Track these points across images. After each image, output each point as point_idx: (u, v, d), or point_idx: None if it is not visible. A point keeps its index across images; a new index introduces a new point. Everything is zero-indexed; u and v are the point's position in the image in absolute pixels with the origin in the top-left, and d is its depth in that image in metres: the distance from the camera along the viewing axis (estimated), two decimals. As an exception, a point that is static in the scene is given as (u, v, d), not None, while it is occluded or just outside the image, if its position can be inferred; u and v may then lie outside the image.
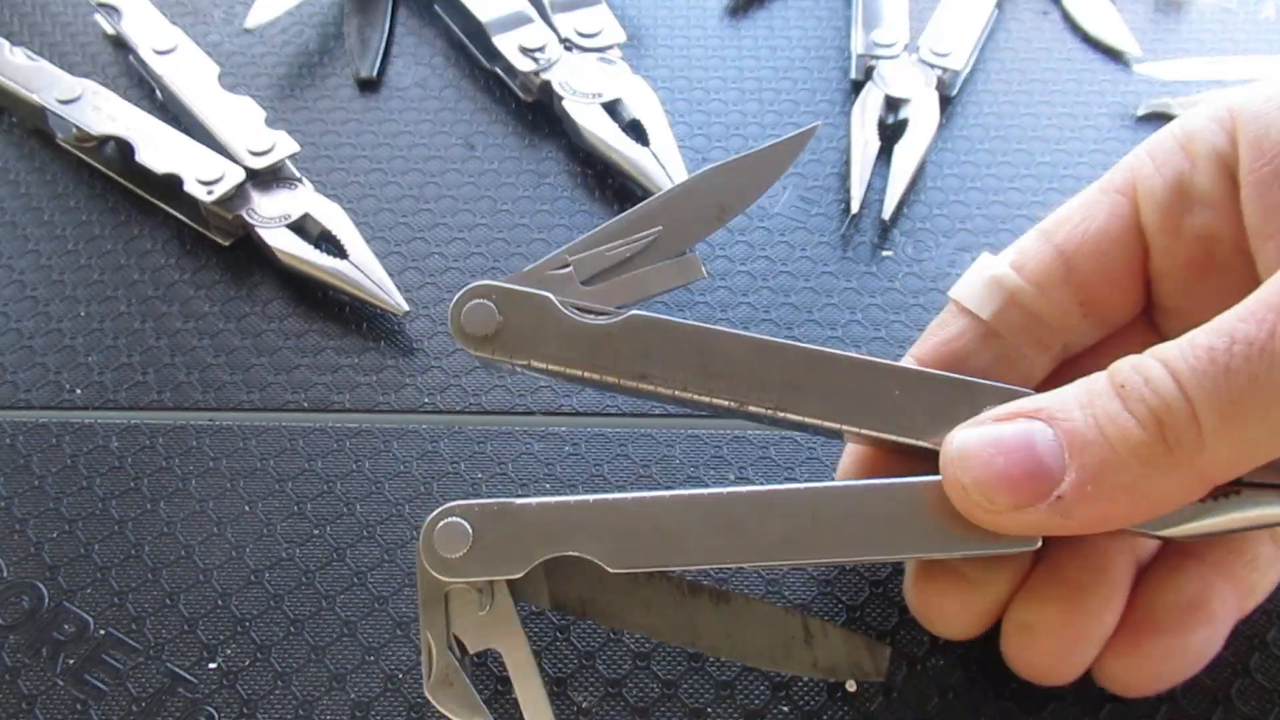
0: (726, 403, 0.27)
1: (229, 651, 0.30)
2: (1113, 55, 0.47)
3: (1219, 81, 0.45)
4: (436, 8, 0.50)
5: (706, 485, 0.33)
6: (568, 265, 0.28)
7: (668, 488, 0.32)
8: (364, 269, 0.38)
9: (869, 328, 0.37)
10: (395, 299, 0.37)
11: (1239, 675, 0.29)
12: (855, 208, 0.40)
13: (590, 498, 0.26)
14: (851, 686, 0.29)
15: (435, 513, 0.26)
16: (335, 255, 0.38)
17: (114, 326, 0.38)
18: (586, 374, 0.27)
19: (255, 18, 0.47)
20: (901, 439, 0.26)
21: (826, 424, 0.26)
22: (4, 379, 0.36)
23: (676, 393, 0.27)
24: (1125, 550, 0.27)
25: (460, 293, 0.27)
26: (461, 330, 0.27)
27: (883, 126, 0.43)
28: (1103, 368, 0.24)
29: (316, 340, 0.38)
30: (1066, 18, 0.49)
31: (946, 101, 0.45)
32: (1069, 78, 0.46)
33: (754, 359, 0.27)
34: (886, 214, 0.40)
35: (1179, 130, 0.27)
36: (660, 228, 0.28)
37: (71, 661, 0.30)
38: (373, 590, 0.31)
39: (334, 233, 0.39)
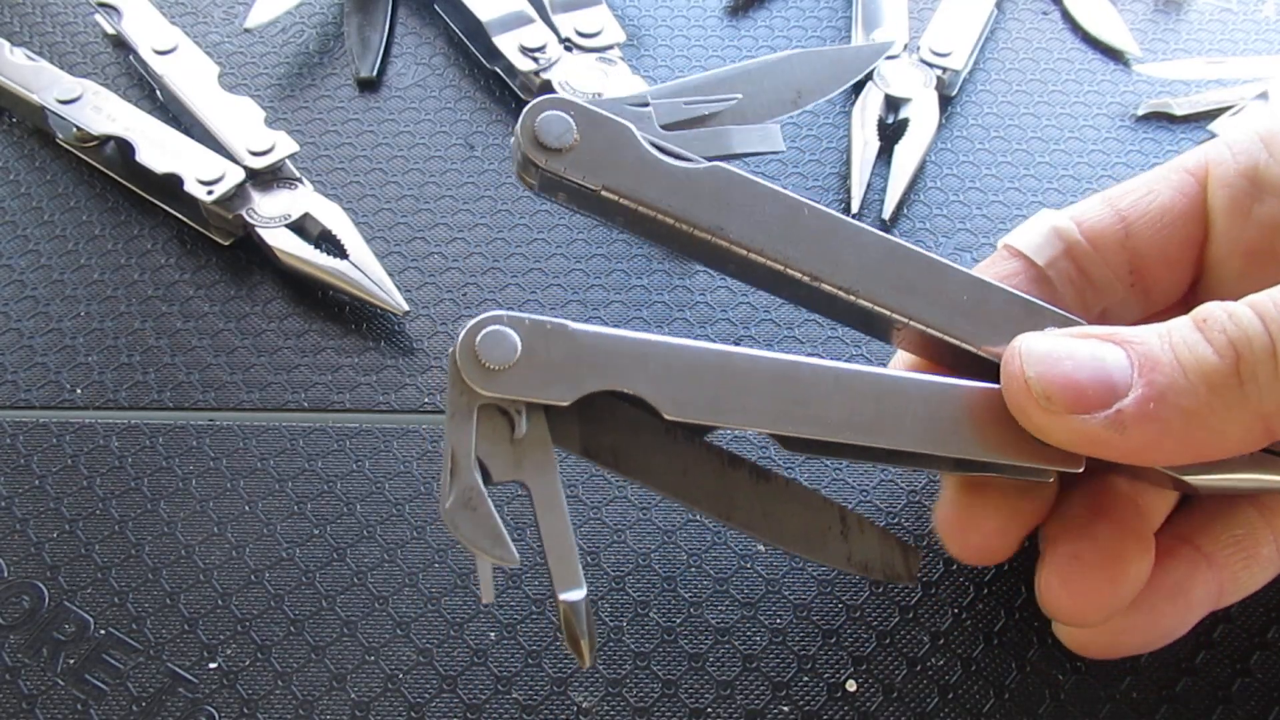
0: (800, 275, 0.25)
1: (229, 651, 0.30)
2: (1113, 55, 0.47)
3: (1219, 81, 0.45)
4: (436, 8, 0.50)
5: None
6: (648, 105, 0.26)
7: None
8: (364, 269, 0.38)
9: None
10: (395, 299, 0.37)
11: (1239, 675, 0.29)
12: (855, 207, 0.40)
13: (653, 336, 0.24)
14: (851, 686, 0.29)
15: (480, 318, 0.23)
16: (335, 255, 0.38)
17: (114, 326, 0.38)
18: (660, 215, 0.25)
19: (255, 18, 0.47)
20: (964, 344, 0.26)
21: (895, 315, 0.26)
22: (4, 379, 0.36)
23: (751, 254, 0.25)
24: (1160, 506, 0.27)
25: (533, 103, 0.25)
26: (534, 139, 0.24)
27: (883, 126, 0.43)
28: None
29: (316, 340, 0.38)
30: (1066, 17, 0.49)
31: (946, 101, 0.45)
32: (1069, 78, 0.46)
33: (835, 236, 0.26)
34: (886, 214, 0.40)
35: (1262, 126, 0.27)
36: (740, 95, 0.27)
37: (72, 661, 0.30)
38: (373, 590, 0.31)
39: (334, 233, 0.39)
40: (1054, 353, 0.23)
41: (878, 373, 0.25)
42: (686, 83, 0.27)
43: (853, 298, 0.26)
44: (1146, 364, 0.22)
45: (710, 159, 0.26)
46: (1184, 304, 0.29)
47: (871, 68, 0.30)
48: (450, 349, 0.24)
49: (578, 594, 0.23)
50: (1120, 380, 0.22)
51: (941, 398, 0.25)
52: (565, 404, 0.23)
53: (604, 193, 0.25)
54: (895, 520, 0.31)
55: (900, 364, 0.30)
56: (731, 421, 0.24)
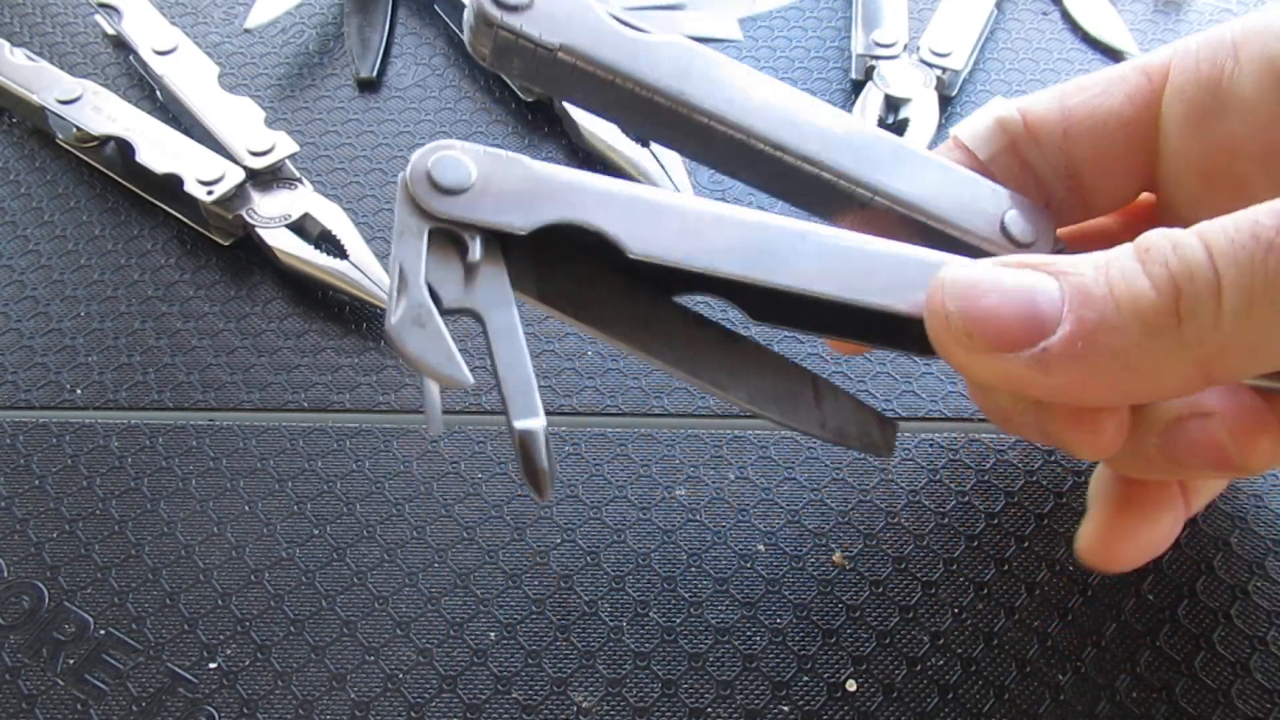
0: (762, 146, 0.25)
1: (229, 651, 0.30)
2: (1112, 55, 0.47)
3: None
4: (436, 8, 0.50)
5: (707, 485, 0.33)
6: None
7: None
8: (364, 269, 0.38)
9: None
10: (395, 299, 0.37)
11: (1239, 675, 0.29)
12: (855, 208, 0.40)
13: (616, 180, 0.23)
14: (851, 686, 0.29)
15: (433, 144, 0.22)
16: (335, 255, 0.38)
17: (114, 326, 0.38)
18: (618, 81, 0.24)
19: (255, 18, 0.47)
20: (929, 220, 0.25)
21: (858, 191, 0.25)
22: (4, 379, 0.36)
23: (711, 122, 0.24)
24: None
25: None
26: None
27: (883, 126, 0.43)
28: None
29: (316, 340, 0.38)
30: (1066, 18, 0.49)
31: (946, 101, 0.45)
32: (1069, 78, 0.46)
33: (798, 110, 0.25)
34: (886, 214, 0.40)
35: (1239, 26, 0.24)
36: None
37: (71, 661, 0.30)
38: (373, 590, 0.31)
39: (334, 233, 0.39)
40: (979, 284, 0.21)
41: (844, 233, 0.24)
42: None
43: (817, 170, 0.25)
44: (1077, 297, 0.20)
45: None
46: (1146, 219, 0.28)
47: None
48: (400, 175, 0.22)
49: (536, 422, 0.21)
50: (1049, 314, 0.20)
51: (911, 260, 0.24)
52: (522, 233, 0.22)
53: (561, 54, 0.24)
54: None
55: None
56: (699, 264, 0.23)
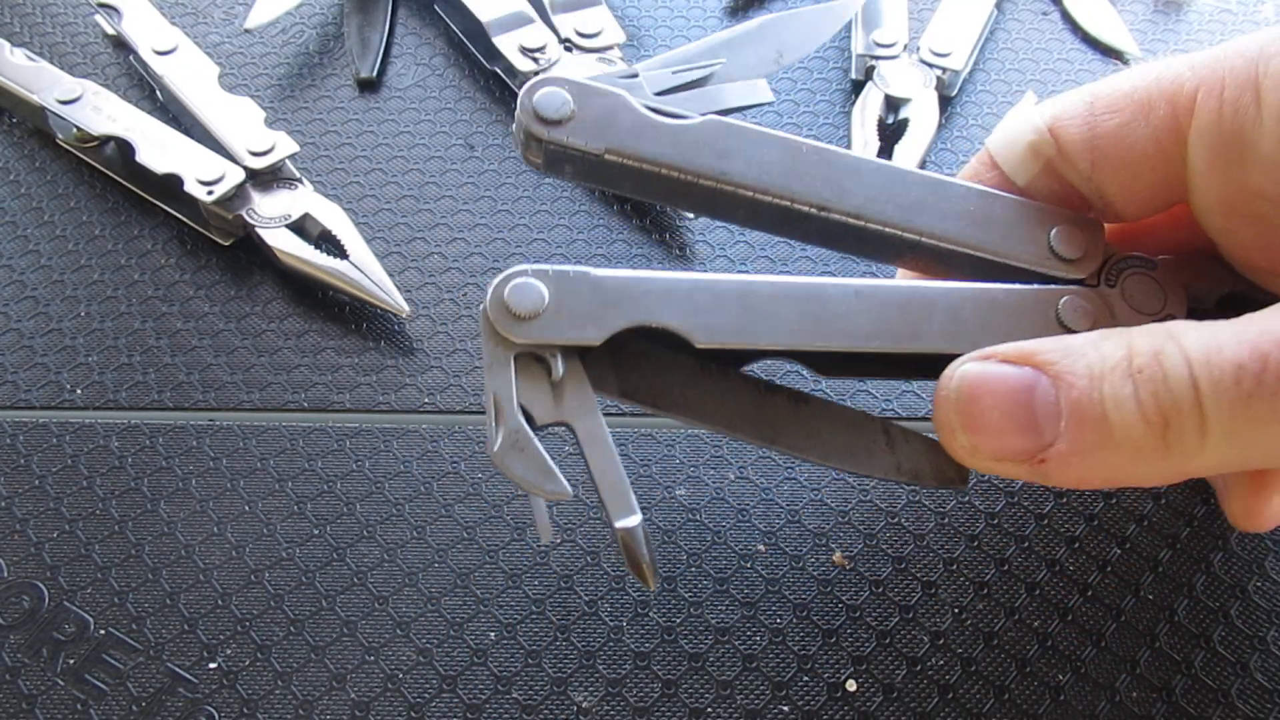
0: (806, 208, 0.26)
1: (229, 651, 0.30)
2: (1112, 55, 0.47)
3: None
4: (436, 8, 0.50)
5: (707, 485, 0.33)
6: (637, 75, 0.28)
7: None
8: (364, 269, 0.38)
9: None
10: (395, 299, 0.37)
11: (1239, 675, 0.29)
12: (855, 208, 0.40)
13: (675, 273, 0.25)
14: (851, 686, 0.29)
15: (505, 273, 0.24)
16: (335, 255, 0.38)
17: (114, 326, 0.38)
18: (664, 170, 0.26)
19: (255, 18, 0.47)
20: (977, 253, 0.26)
21: (905, 235, 0.26)
22: (4, 379, 0.36)
23: (756, 195, 0.26)
24: None
25: (529, 83, 0.26)
26: (535, 115, 0.25)
27: (883, 126, 0.43)
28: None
29: (316, 340, 0.38)
30: (1066, 18, 0.49)
31: (946, 101, 0.45)
32: (1069, 78, 0.46)
33: (836, 168, 0.26)
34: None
35: (1266, 65, 0.24)
36: (724, 60, 0.28)
37: (71, 661, 0.30)
38: (373, 590, 0.31)
39: (334, 233, 0.39)
40: (982, 399, 0.23)
41: (896, 283, 0.26)
42: (671, 55, 0.28)
43: (863, 223, 0.26)
44: (1074, 416, 0.22)
45: (705, 114, 0.27)
46: (1173, 221, 0.28)
47: (843, 24, 0.30)
48: (480, 305, 0.24)
49: (634, 520, 0.24)
50: (1047, 429, 0.23)
51: (963, 299, 0.25)
52: (597, 343, 0.24)
53: (607, 156, 0.26)
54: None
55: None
56: (762, 341, 0.25)
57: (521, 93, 0.26)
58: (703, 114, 0.27)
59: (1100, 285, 0.27)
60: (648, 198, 0.27)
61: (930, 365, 0.25)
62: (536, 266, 0.25)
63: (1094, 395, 0.22)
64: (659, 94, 0.27)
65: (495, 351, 0.24)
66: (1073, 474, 0.23)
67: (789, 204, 0.26)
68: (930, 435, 0.28)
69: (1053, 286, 0.26)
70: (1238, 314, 0.22)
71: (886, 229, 0.26)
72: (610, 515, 0.24)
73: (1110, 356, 0.23)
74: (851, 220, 0.26)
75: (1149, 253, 0.28)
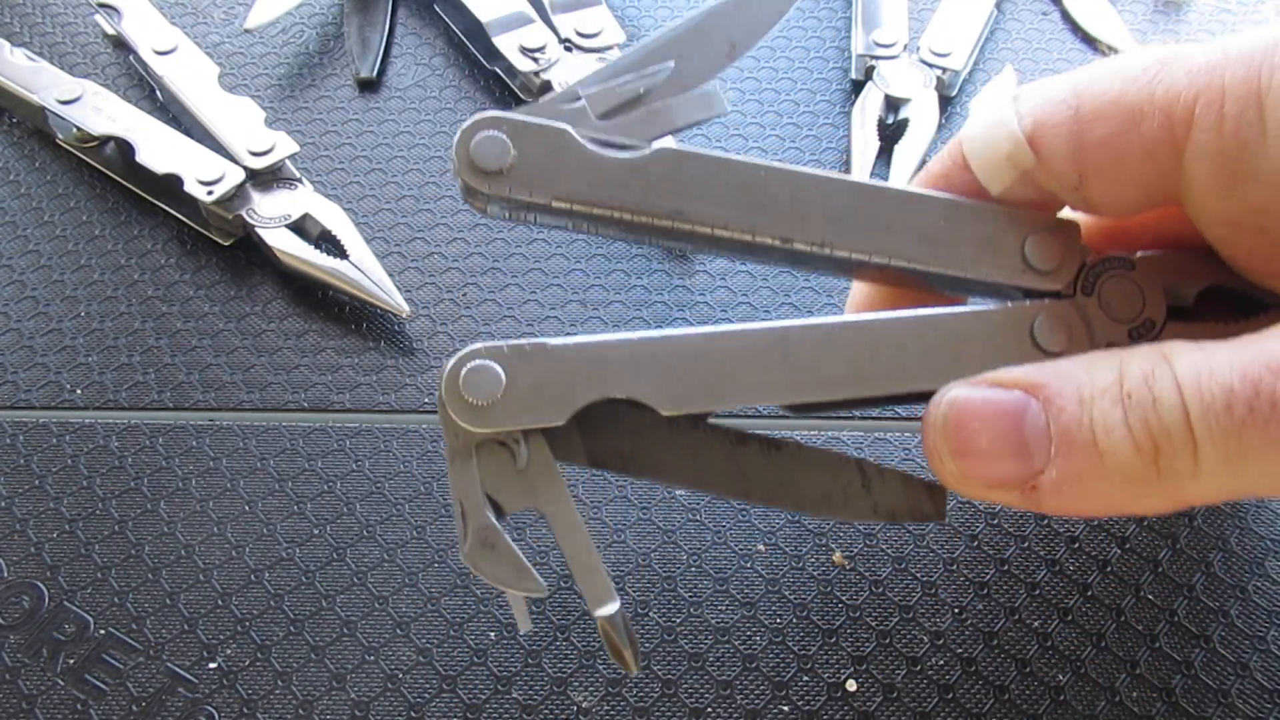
0: (769, 241, 0.25)
1: (229, 651, 0.30)
2: (1112, 55, 0.47)
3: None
4: (436, 8, 0.50)
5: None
6: (580, 99, 0.25)
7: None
8: (364, 269, 0.38)
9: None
10: (395, 299, 0.37)
11: (1239, 675, 0.29)
12: (855, 208, 0.40)
13: (634, 335, 0.24)
14: (851, 686, 0.29)
15: (458, 355, 0.23)
16: (335, 255, 0.38)
17: (114, 326, 0.38)
18: (615, 213, 0.24)
19: (255, 18, 0.47)
20: (949, 271, 0.25)
21: (873, 259, 0.25)
22: (4, 379, 0.36)
23: (715, 231, 0.24)
24: None
25: (466, 123, 0.24)
26: (471, 165, 0.24)
27: (883, 126, 0.43)
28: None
29: (316, 340, 0.38)
30: (1066, 18, 0.49)
31: (946, 101, 0.45)
32: (1069, 78, 0.46)
33: (797, 191, 0.25)
34: (886, 214, 0.40)
35: (1268, 80, 0.22)
36: (671, 63, 0.26)
37: (71, 661, 0.30)
38: (373, 590, 0.31)
39: (334, 233, 0.39)
40: (971, 424, 0.23)
41: (865, 319, 0.25)
42: (616, 63, 0.26)
43: (828, 250, 0.25)
44: (1064, 443, 0.22)
45: (657, 138, 0.25)
46: (1173, 216, 0.27)
47: (795, 2, 0.28)
48: (436, 392, 0.23)
49: (612, 607, 0.23)
50: (1038, 457, 0.22)
51: (935, 331, 0.24)
52: (560, 423, 0.23)
53: (555, 204, 0.24)
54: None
55: (860, 296, 0.30)
56: (731, 402, 0.24)
57: (457, 140, 0.24)
58: (653, 139, 0.25)
59: (1076, 294, 0.26)
60: (603, 235, 0.26)
61: (909, 396, 0.25)
62: (490, 345, 0.23)
63: (1084, 421, 0.22)
64: (605, 116, 0.25)
65: (455, 444, 0.24)
66: (1065, 501, 0.22)
67: (750, 238, 0.25)
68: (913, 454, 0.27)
69: (1026, 304, 0.25)
70: (1219, 308, 0.21)
71: (853, 255, 0.25)
72: (589, 604, 0.23)
73: (1101, 380, 0.22)
74: (815, 250, 0.25)
75: (1130, 245, 0.27)
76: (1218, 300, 0.26)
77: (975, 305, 0.25)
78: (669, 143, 0.25)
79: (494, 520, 0.23)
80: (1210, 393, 0.20)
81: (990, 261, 0.25)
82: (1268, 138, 0.22)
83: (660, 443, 0.26)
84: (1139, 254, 0.26)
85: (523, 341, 0.23)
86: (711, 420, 0.27)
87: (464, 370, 0.23)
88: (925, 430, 0.24)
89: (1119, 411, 0.21)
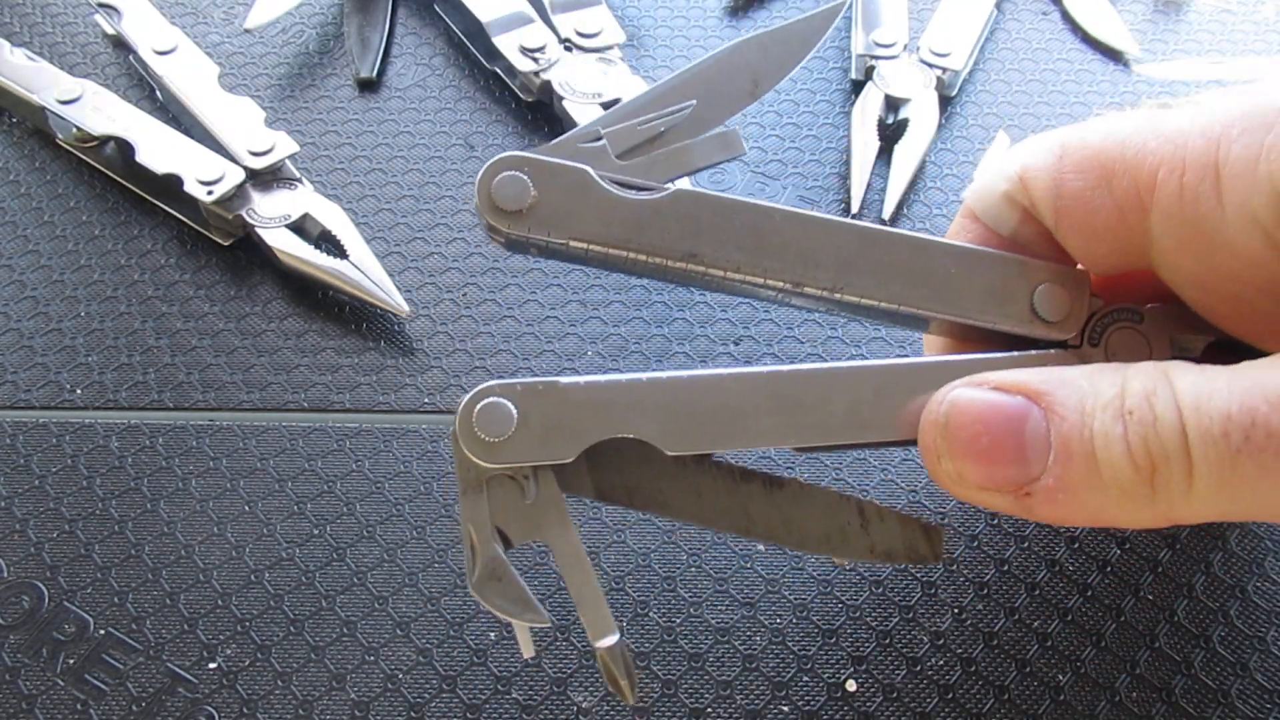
0: (781, 284, 0.25)
1: (229, 651, 0.30)
2: (1112, 55, 0.47)
3: (1219, 82, 0.45)
4: (436, 8, 0.50)
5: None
6: (600, 139, 0.26)
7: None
8: (364, 269, 0.38)
9: (868, 328, 0.37)
10: (395, 299, 0.37)
11: (1239, 675, 0.29)
12: (855, 208, 0.40)
13: (642, 375, 0.24)
14: (851, 686, 0.29)
15: (473, 393, 0.24)
16: (335, 255, 0.38)
17: (114, 326, 0.38)
18: (631, 254, 0.25)
19: (255, 18, 0.47)
20: (957, 318, 0.26)
21: (882, 305, 0.25)
22: (4, 379, 0.36)
23: (728, 274, 0.25)
24: None
25: (488, 164, 0.25)
26: (493, 205, 0.25)
27: (883, 126, 0.43)
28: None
29: (316, 340, 0.38)
30: (1066, 18, 0.49)
31: (946, 101, 0.45)
32: (1069, 78, 0.46)
33: (809, 236, 0.25)
34: (886, 214, 0.40)
35: (1226, 148, 0.22)
36: (694, 101, 0.27)
37: (71, 661, 0.30)
38: (373, 590, 0.31)
39: (334, 233, 0.39)
40: (972, 425, 0.23)
41: (872, 365, 0.25)
42: (638, 102, 0.27)
43: (839, 295, 0.25)
44: (1063, 451, 0.22)
45: (675, 179, 0.26)
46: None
47: (823, 38, 0.29)
48: (450, 428, 0.24)
49: (612, 639, 0.24)
50: (1035, 463, 0.22)
51: (940, 377, 0.25)
52: (569, 460, 0.24)
53: (572, 244, 0.25)
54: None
55: (934, 347, 0.30)
56: (734, 445, 0.24)
57: (480, 178, 0.25)
58: (671, 180, 0.26)
59: (1083, 345, 0.26)
60: (619, 272, 0.27)
61: (914, 441, 0.25)
62: (503, 382, 0.24)
63: (1084, 432, 0.22)
64: (624, 155, 0.26)
65: (468, 477, 0.24)
66: (1058, 510, 0.22)
67: (762, 280, 0.25)
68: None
69: (1033, 353, 0.26)
70: (1227, 362, 0.21)
71: (863, 301, 0.26)
72: (590, 635, 0.24)
73: (1104, 393, 0.22)
74: (826, 295, 0.25)
75: (1138, 298, 0.27)
76: (1226, 353, 0.26)
77: (989, 353, 0.25)
78: (684, 183, 0.26)
79: (501, 553, 0.24)
80: (1209, 417, 0.20)
81: (998, 310, 0.25)
82: (1225, 209, 0.22)
83: (665, 479, 0.27)
84: (1148, 306, 0.27)
85: (535, 380, 0.24)
86: (715, 458, 0.27)
87: (478, 407, 0.24)
88: (923, 427, 0.24)
89: (1119, 427, 0.22)
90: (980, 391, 0.24)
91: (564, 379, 0.24)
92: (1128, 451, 0.21)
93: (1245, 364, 0.21)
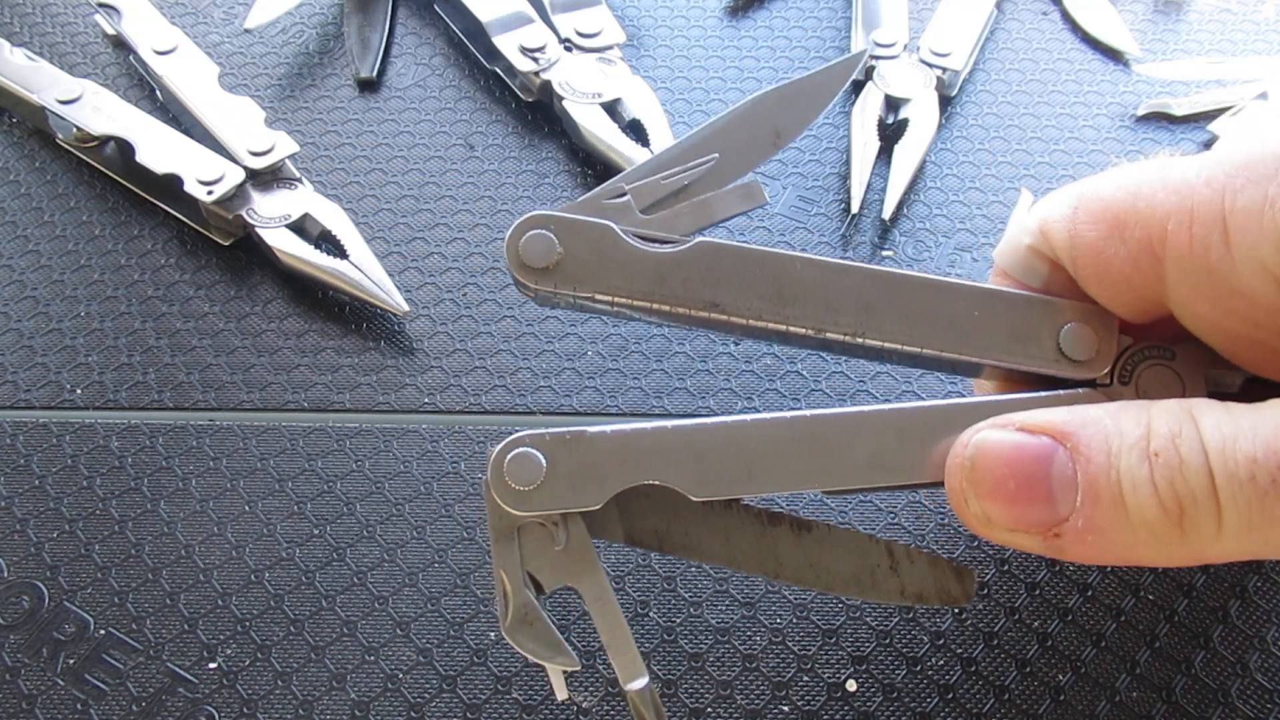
0: (803, 330, 0.26)
1: (229, 651, 0.30)
2: (1112, 55, 0.47)
3: (1219, 82, 0.45)
4: (436, 8, 0.50)
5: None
6: (624, 194, 0.27)
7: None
8: (364, 269, 0.38)
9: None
10: (395, 299, 0.37)
11: (1239, 675, 0.29)
12: (855, 208, 0.40)
13: (668, 423, 0.25)
14: (851, 686, 0.29)
15: (504, 443, 0.25)
16: (335, 255, 0.38)
17: (114, 326, 0.38)
18: (655, 305, 0.26)
19: (255, 18, 0.47)
20: (982, 360, 0.25)
21: (906, 348, 0.26)
22: (4, 379, 0.36)
23: (750, 322, 0.26)
24: None
25: (516, 223, 0.26)
26: (520, 262, 0.25)
27: (883, 126, 0.43)
28: None
29: (316, 340, 0.38)
30: (1066, 18, 0.49)
31: (946, 101, 0.45)
32: (1069, 78, 0.46)
33: (829, 282, 0.26)
34: (886, 214, 0.40)
35: (1232, 198, 0.22)
36: (716, 155, 0.27)
37: (71, 661, 0.30)
38: (373, 590, 0.31)
39: (334, 233, 0.39)
40: (999, 468, 0.23)
41: (896, 408, 0.25)
42: (662, 157, 0.27)
43: (860, 339, 0.26)
44: (1090, 494, 0.22)
45: (699, 231, 0.27)
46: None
47: (844, 88, 0.29)
48: (482, 478, 0.25)
49: (641, 681, 0.24)
50: (1063, 505, 0.22)
51: (965, 418, 0.25)
52: (597, 507, 0.25)
53: (598, 298, 0.26)
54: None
55: (984, 392, 0.30)
56: (758, 490, 0.25)
57: (508, 236, 0.26)
58: (694, 232, 0.26)
59: (1113, 383, 0.26)
60: (643, 321, 0.27)
61: (937, 484, 0.25)
62: (533, 433, 0.25)
63: (1111, 474, 0.22)
64: (647, 210, 0.27)
65: (500, 526, 0.25)
66: (1089, 550, 0.22)
67: (784, 328, 0.26)
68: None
69: (1060, 393, 0.25)
70: (1266, 397, 0.21)
71: (886, 344, 0.26)
72: (621, 678, 0.24)
73: (1129, 434, 0.22)
74: (848, 340, 0.26)
75: (1170, 337, 0.26)
76: (1265, 389, 0.25)
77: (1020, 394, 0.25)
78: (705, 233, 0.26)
79: (533, 599, 0.25)
80: (1234, 460, 0.20)
81: (1024, 350, 0.25)
82: (1235, 259, 0.22)
83: (694, 523, 0.27)
84: (1180, 344, 0.26)
85: (562, 430, 0.25)
86: (744, 502, 0.27)
87: (508, 457, 0.25)
88: (950, 470, 0.24)
89: (1145, 468, 0.21)
90: (1005, 433, 0.23)
91: (591, 428, 0.25)
92: (1155, 494, 0.21)
93: (1271, 403, 0.21)
